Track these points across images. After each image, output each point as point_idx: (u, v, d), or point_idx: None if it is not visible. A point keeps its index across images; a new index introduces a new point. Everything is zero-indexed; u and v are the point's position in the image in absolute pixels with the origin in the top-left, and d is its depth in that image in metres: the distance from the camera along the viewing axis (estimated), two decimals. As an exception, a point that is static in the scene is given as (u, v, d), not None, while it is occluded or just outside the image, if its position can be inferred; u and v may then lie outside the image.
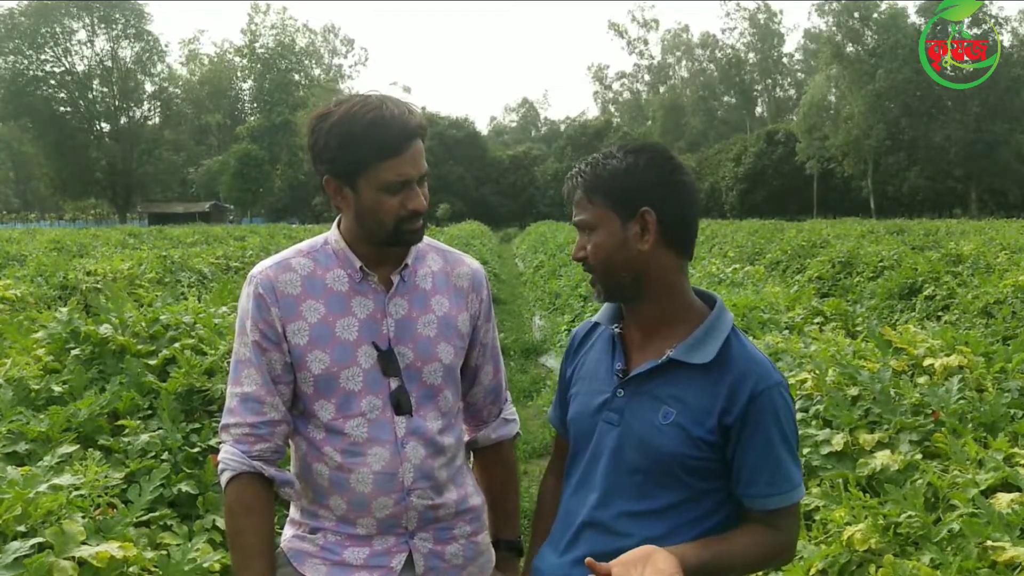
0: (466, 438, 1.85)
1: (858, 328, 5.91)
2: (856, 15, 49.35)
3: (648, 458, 1.48)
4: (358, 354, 1.62)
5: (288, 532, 1.72)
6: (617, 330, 1.60)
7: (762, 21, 70.66)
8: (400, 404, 1.63)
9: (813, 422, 3.36)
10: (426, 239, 1.77)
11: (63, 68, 57.17)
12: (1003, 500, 2.49)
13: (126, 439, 3.15)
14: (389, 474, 1.62)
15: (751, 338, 5.05)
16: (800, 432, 3.21)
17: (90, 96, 58.54)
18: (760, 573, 1.68)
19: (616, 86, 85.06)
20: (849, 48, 49.87)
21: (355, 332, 1.63)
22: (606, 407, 1.55)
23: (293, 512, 1.73)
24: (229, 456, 1.61)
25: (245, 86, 66.93)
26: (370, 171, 1.55)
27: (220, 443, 1.65)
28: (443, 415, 1.71)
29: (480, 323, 1.81)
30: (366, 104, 1.56)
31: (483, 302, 1.81)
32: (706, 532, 1.48)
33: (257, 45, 61.96)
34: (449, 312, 1.73)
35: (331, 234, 1.70)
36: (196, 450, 3.21)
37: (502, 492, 1.90)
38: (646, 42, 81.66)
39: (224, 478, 1.61)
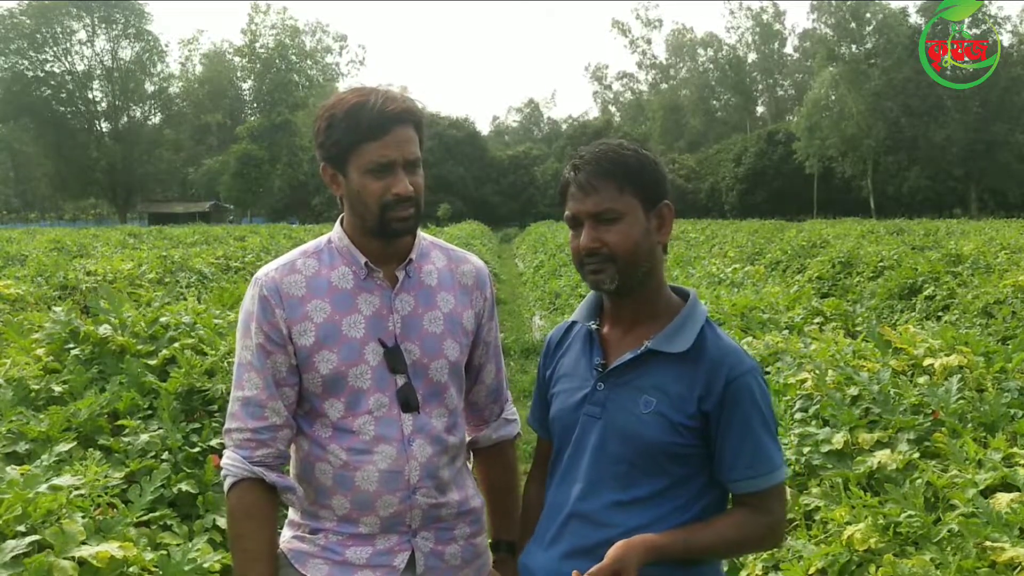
0: (467, 438, 1.85)
1: (858, 328, 5.91)
2: (849, 16, 49.28)
3: (632, 447, 1.51)
4: (365, 351, 1.62)
5: (287, 533, 1.71)
6: (594, 326, 1.62)
7: (766, 20, 70.56)
8: (407, 401, 1.63)
9: (813, 422, 3.36)
10: (429, 237, 1.78)
11: (63, 68, 57.13)
12: (1002, 500, 2.49)
13: (126, 439, 3.15)
14: (395, 472, 1.61)
15: (751, 338, 5.07)
16: (800, 431, 3.21)
17: (90, 96, 58.52)
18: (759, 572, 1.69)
19: (617, 86, 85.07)
20: (844, 49, 49.79)
21: (362, 329, 1.62)
22: (587, 401, 1.57)
23: (292, 514, 1.72)
24: (231, 462, 1.61)
25: (245, 86, 66.91)
26: (355, 153, 1.58)
27: (223, 447, 1.66)
28: (449, 413, 1.71)
29: (484, 321, 1.81)
30: (355, 91, 1.61)
31: (487, 300, 1.81)
32: (690, 520, 1.50)
33: (257, 45, 61.94)
34: (455, 309, 1.73)
35: (334, 233, 1.71)
36: (196, 450, 3.21)
37: (502, 493, 1.89)
38: (649, 41, 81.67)
39: (226, 484, 1.62)
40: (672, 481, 1.51)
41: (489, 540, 1.86)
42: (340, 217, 1.72)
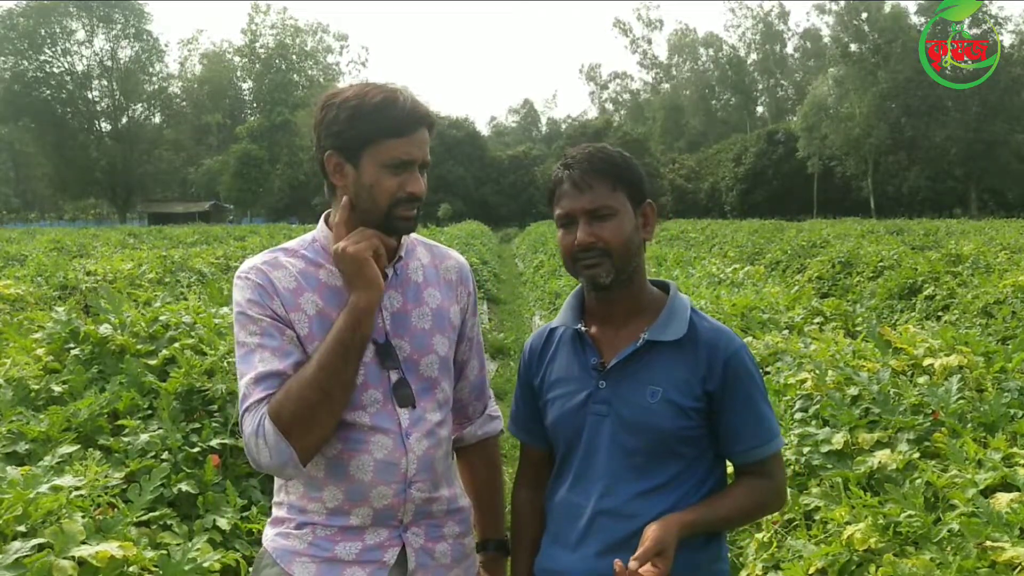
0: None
1: (858, 328, 5.90)
2: (863, 15, 49.25)
3: (645, 438, 1.55)
4: None
5: (270, 531, 1.67)
6: (583, 328, 1.65)
7: (770, 20, 70.52)
8: (403, 397, 1.63)
9: (813, 422, 3.36)
10: (411, 234, 1.77)
11: (63, 68, 57.14)
12: (1002, 500, 2.48)
13: (126, 439, 3.15)
14: (391, 464, 1.60)
15: (751, 338, 5.07)
16: (800, 432, 3.22)
17: (90, 96, 58.54)
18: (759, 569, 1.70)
19: (613, 86, 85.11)
20: (854, 47, 49.72)
21: None
22: (591, 401, 1.60)
23: (276, 511, 1.69)
24: (255, 401, 1.51)
25: (245, 86, 66.89)
26: (375, 147, 1.57)
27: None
28: (440, 407, 1.71)
29: (468, 316, 1.82)
30: (379, 87, 1.61)
31: (470, 295, 1.82)
32: (705, 496, 1.57)
33: (257, 45, 61.92)
34: (442, 304, 1.73)
35: (319, 232, 1.69)
36: (196, 450, 3.20)
37: (488, 491, 1.89)
38: (650, 41, 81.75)
39: (267, 410, 1.50)
40: (685, 464, 1.57)
41: (476, 540, 1.85)
42: (324, 214, 1.71)
